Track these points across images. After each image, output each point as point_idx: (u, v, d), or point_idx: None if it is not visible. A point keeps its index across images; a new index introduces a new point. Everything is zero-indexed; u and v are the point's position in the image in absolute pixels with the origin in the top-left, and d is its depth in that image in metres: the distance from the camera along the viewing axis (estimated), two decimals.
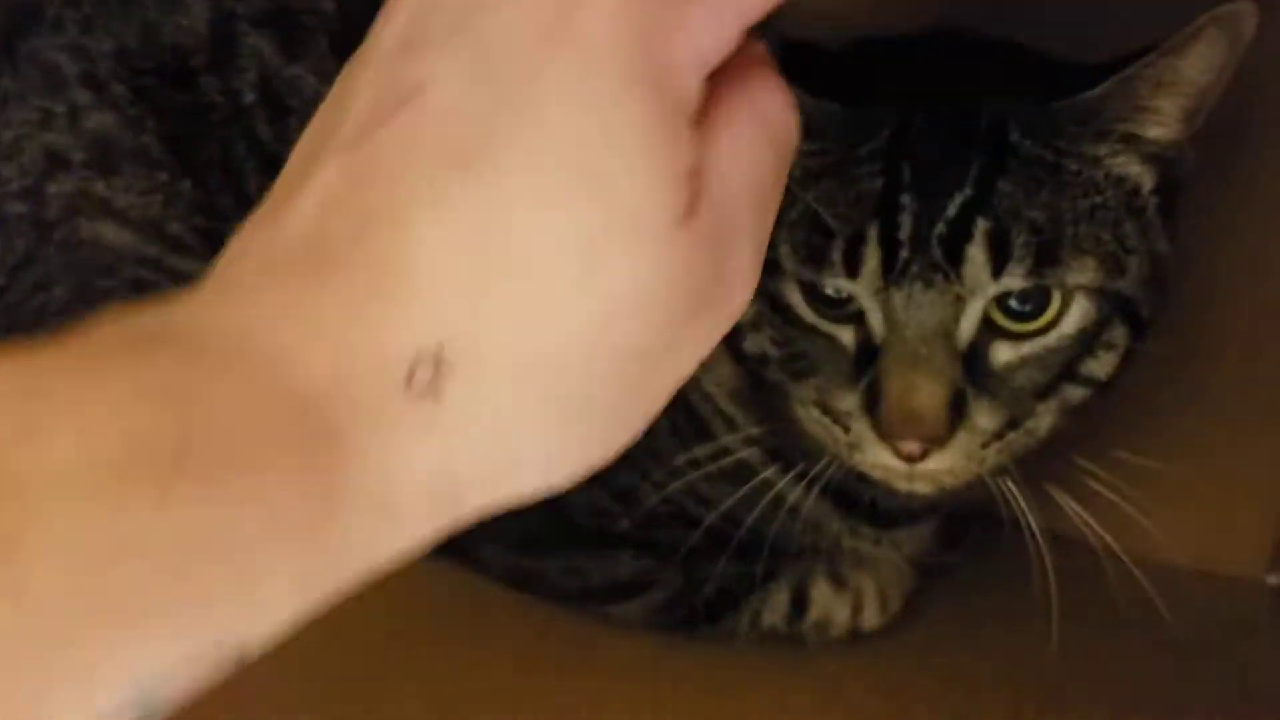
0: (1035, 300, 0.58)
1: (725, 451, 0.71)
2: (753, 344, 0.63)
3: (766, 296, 0.60)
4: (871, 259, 0.57)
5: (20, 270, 0.82)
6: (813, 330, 0.60)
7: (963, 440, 0.58)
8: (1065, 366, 0.60)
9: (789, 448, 0.68)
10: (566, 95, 0.28)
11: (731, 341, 0.64)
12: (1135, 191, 0.60)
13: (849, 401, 0.60)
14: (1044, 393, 0.60)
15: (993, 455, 0.60)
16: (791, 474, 0.68)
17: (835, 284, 0.58)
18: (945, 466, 0.59)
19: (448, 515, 0.31)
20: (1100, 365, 0.61)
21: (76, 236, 0.80)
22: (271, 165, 0.78)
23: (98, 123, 0.79)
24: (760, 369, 0.64)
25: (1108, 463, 0.68)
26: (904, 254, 0.56)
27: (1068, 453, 0.67)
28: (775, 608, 0.74)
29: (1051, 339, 0.59)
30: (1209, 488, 0.90)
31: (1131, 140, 0.59)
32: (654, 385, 0.33)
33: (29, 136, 0.80)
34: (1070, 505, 0.67)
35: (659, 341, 0.31)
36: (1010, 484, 0.64)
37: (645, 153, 0.28)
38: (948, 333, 0.57)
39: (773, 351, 0.62)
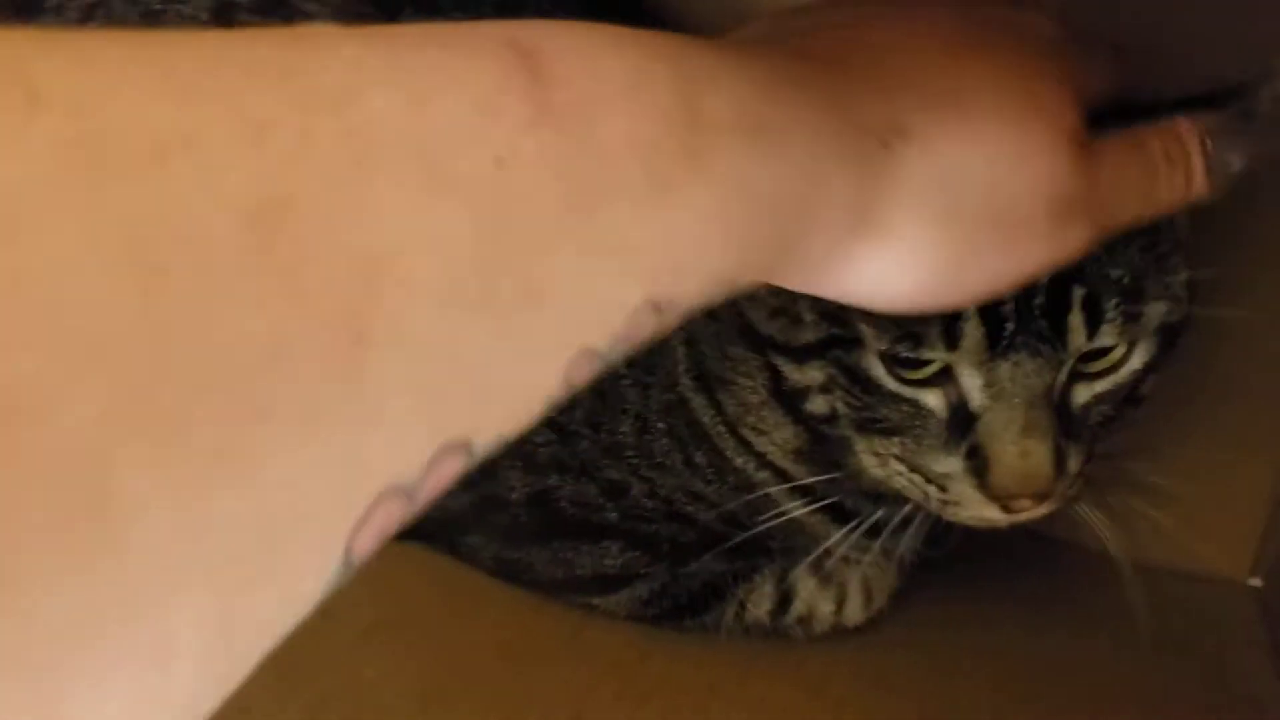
0: (1104, 346, 0.59)
1: (747, 482, 0.71)
2: (820, 405, 0.62)
3: (841, 366, 0.60)
4: (974, 332, 0.56)
5: None
6: (895, 396, 0.60)
7: (1060, 487, 0.59)
8: (1128, 396, 0.61)
9: (840, 494, 0.68)
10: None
11: (792, 404, 0.64)
12: (1177, 228, 0.61)
13: (947, 464, 0.60)
14: (1107, 422, 0.61)
15: (1076, 488, 0.61)
16: (801, 493, 0.69)
17: (930, 356, 0.57)
18: (1043, 512, 0.60)
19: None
20: (1148, 387, 0.62)
21: None
22: None
23: None
24: (825, 426, 0.63)
25: (1092, 466, 0.68)
26: (1010, 328, 0.56)
27: (1116, 487, 0.68)
28: (760, 601, 0.74)
29: (1123, 375, 0.60)
30: (1192, 490, 0.90)
31: None
32: (1012, 250, 0.41)
33: None
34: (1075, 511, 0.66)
35: (1032, 216, 0.41)
36: (1087, 508, 0.65)
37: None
38: (1048, 393, 0.57)
39: (844, 411, 0.62)
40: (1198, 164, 0.46)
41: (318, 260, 0.23)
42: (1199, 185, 0.47)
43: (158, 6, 0.79)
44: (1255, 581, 0.92)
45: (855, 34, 0.40)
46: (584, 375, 0.29)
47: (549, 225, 0.26)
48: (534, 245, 0.26)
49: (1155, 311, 0.58)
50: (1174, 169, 0.46)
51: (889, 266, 0.38)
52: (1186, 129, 0.46)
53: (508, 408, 0.27)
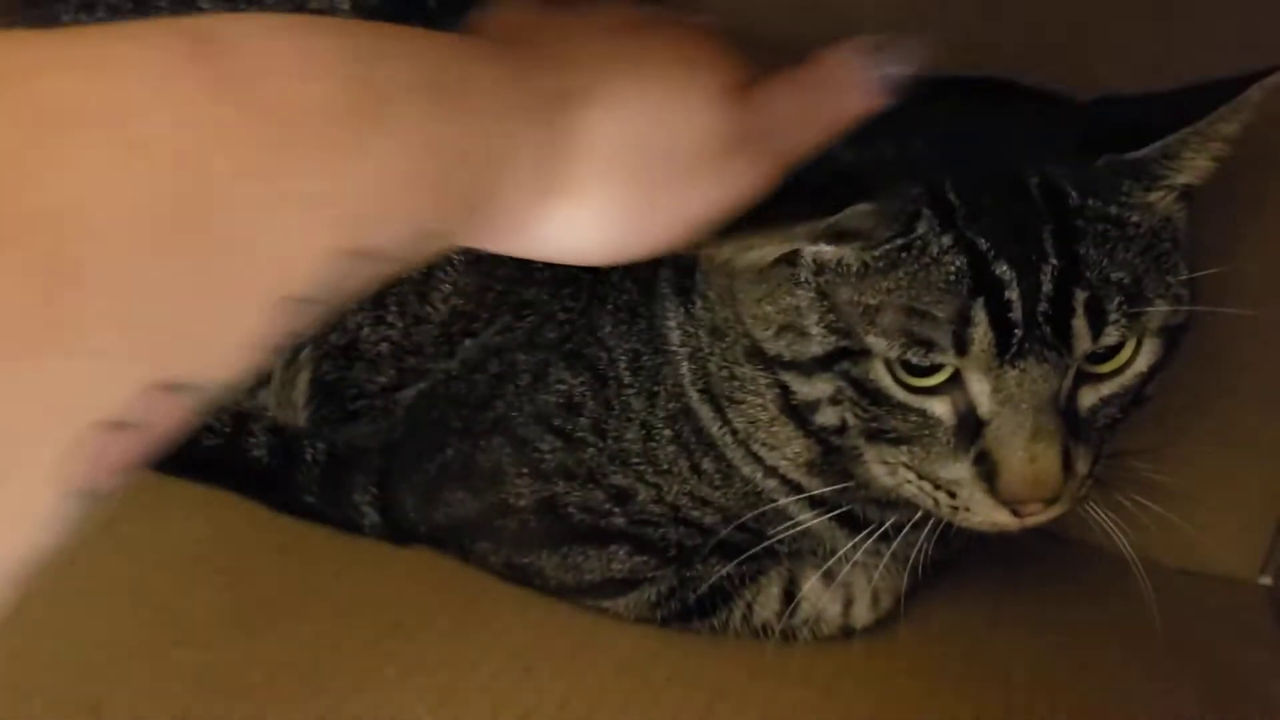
0: (1110, 348, 0.60)
1: (757, 493, 0.72)
2: (829, 417, 0.63)
3: (849, 378, 0.61)
4: (984, 338, 0.57)
5: None
6: (903, 406, 0.61)
7: (1070, 489, 0.60)
8: (1134, 398, 0.62)
9: (851, 502, 0.70)
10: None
11: (802, 419, 0.65)
12: (1176, 228, 0.61)
13: (956, 470, 0.61)
14: (1114, 425, 0.62)
15: (1085, 489, 0.62)
16: (810, 502, 0.70)
17: (941, 362, 0.58)
18: (1053, 515, 0.61)
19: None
20: (1152, 387, 0.63)
21: None
22: None
23: None
24: (834, 437, 0.64)
25: (1102, 466, 0.68)
26: (1018, 334, 0.57)
27: (1123, 487, 0.69)
28: (767, 603, 0.75)
29: (1128, 377, 0.61)
30: (1201, 490, 0.90)
31: (1176, 186, 0.61)
32: (687, 194, 0.46)
33: None
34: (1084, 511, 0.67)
35: (698, 159, 0.45)
36: (1094, 509, 0.66)
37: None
38: (1055, 398, 0.58)
39: (853, 422, 0.62)
40: (854, 81, 0.49)
41: (7, 212, 0.26)
42: (859, 99, 0.49)
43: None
44: (1266, 580, 0.92)
45: (543, 20, 0.46)
46: (298, 321, 0.32)
47: (232, 180, 0.30)
48: (220, 198, 0.29)
49: (1157, 312, 0.59)
50: (831, 91, 0.49)
51: (580, 219, 0.43)
52: (834, 55, 0.49)
53: (219, 351, 0.30)
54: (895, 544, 0.73)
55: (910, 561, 0.77)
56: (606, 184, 0.43)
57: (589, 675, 0.69)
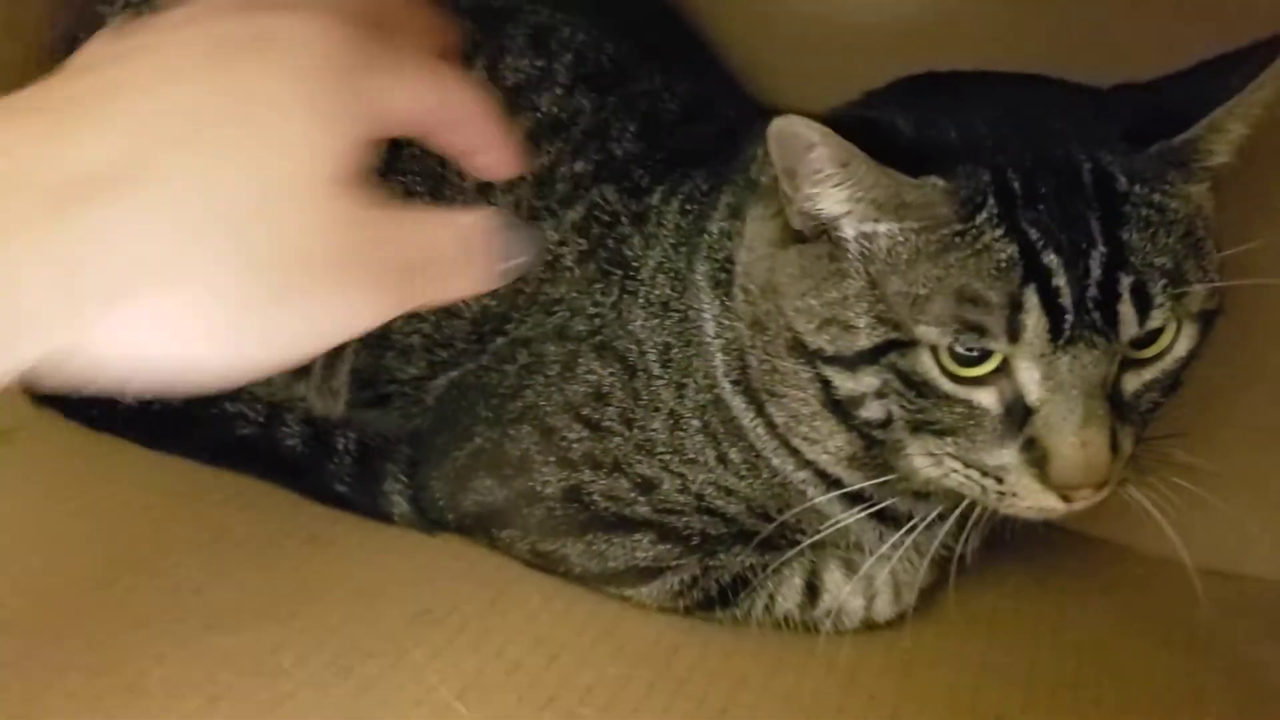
0: (1151, 333, 0.60)
1: (789, 487, 0.73)
2: (874, 411, 0.64)
3: (896, 371, 0.61)
4: (1036, 325, 0.58)
5: None
6: (949, 398, 0.61)
7: (1116, 472, 0.61)
8: (1173, 383, 0.63)
9: (891, 496, 0.70)
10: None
11: (845, 413, 0.65)
12: (1208, 215, 0.62)
13: (1003, 458, 0.61)
14: (1155, 409, 0.63)
15: (1128, 470, 0.63)
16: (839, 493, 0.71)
17: (993, 348, 0.59)
18: (1100, 498, 0.62)
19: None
20: (1189, 372, 0.64)
21: None
22: None
23: None
24: (878, 431, 0.65)
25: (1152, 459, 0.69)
26: (1069, 319, 0.58)
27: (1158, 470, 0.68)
28: (789, 594, 0.75)
29: (1169, 362, 0.62)
30: (1230, 489, 0.90)
31: (1207, 170, 0.62)
32: (286, 307, 0.38)
33: None
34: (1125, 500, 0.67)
35: (293, 271, 0.37)
36: (1132, 490, 0.66)
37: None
38: (1104, 383, 0.59)
39: (898, 415, 0.63)
40: (484, 258, 0.42)
41: None
42: (480, 279, 0.43)
43: None
44: None
45: (103, 73, 0.38)
46: None
47: None
48: None
49: (1197, 295, 0.60)
50: (463, 258, 0.42)
51: (172, 321, 0.36)
52: (478, 224, 0.42)
53: None
54: (917, 537, 0.74)
55: (934, 557, 0.79)
56: (193, 278, 0.36)
57: (613, 664, 0.70)
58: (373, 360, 0.85)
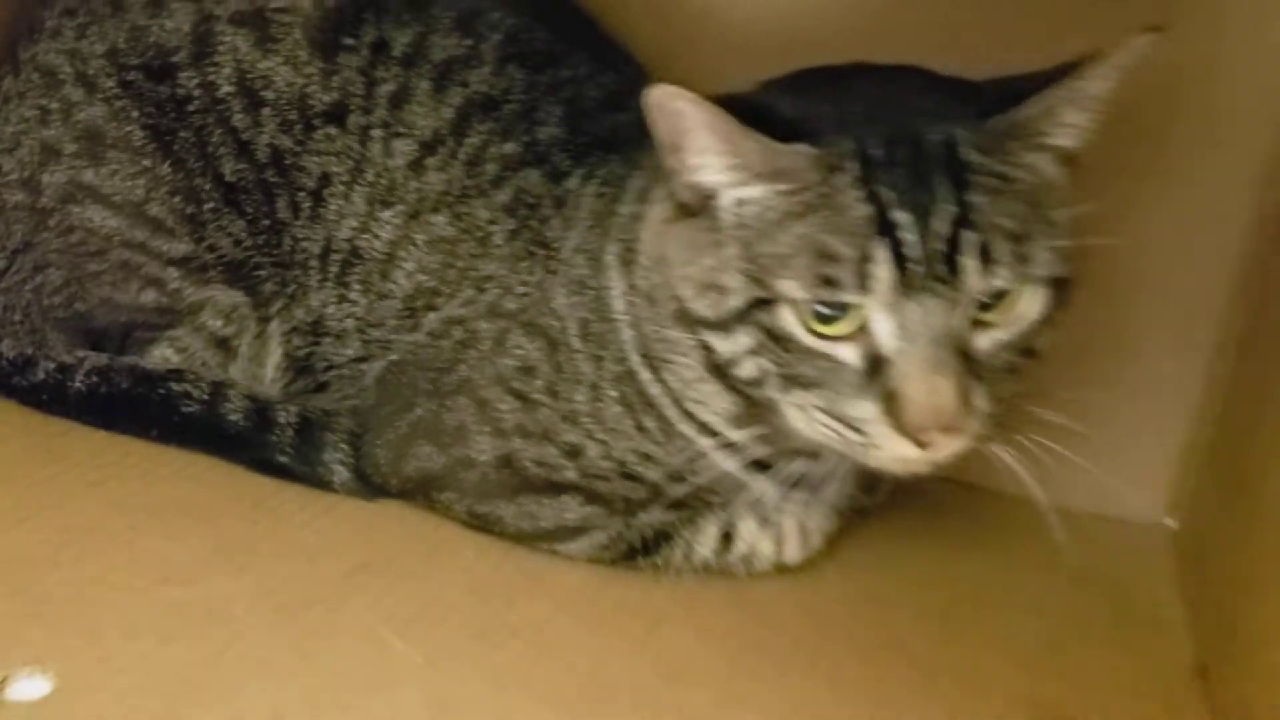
0: (1002, 294, 0.66)
1: (693, 450, 0.78)
2: (748, 369, 0.70)
3: (763, 328, 0.67)
4: (885, 275, 0.64)
5: (20, 254, 0.90)
6: (811, 353, 0.67)
7: (970, 424, 0.66)
8: (1028, 345, 0.69)
9: (771, 450, 0.76)
10: None
11: (723, 374, 0.71)
12: (1058, 189, 0.69)
13: (863, 409, 0.66)
14: (1012, 370, 0.69)
15: (986, 428, 0.68)
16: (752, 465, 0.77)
17: (846, 300, 0.65)
18: (956, 449, 0.67)
19: None
20: (1045, 340, 0.70)
21: (68, 222, 0.89)
22: (245, 151, 0.87)
23: (87, 115, 0.88)
24: (755, 389, 0.71)
25: (1010, 413, 0.75)
26: (915, 269, 0.64)
27: (1022, 428, 0.73)
28: (705, 542, 0.82)
29: (1019, 324, 0.68)
30: (1110, 438, 0.98)
31: (1054, 149, 0.69)
32: None
33: (26, 132, 0.89)
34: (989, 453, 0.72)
35: None
36: (995, 448, 0.71)
37: None
38: (951, 333, 0.65)
39: (771, 371, 0.69)
40: None
41: None
42: None
43: (142, 21, 0.88)
44: (1170, 522, 1.00)
45: None
46: None
47: None
48: None
49: (1043, 257, 0.66)
50: None
51: None
52: None
53: None
54: (820, 491, 0.81)
55: (837, 506, 0.86)
56: None
57: (540, 604, 0.76)
58: (309, 348, 0.90)
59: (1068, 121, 0.68)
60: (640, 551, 0.82)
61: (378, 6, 0.87)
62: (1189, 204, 0.94)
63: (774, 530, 0.83)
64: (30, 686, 0.61)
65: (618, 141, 0.84)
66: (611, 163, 0.83)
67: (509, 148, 0.86)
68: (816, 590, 0.83)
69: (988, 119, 0.66)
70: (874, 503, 0.94)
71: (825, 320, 0.66)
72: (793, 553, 0.84)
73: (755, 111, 0.65)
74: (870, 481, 0.92)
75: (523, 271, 0.83)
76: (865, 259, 0.64)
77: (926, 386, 0.64)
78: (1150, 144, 0.93)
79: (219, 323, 0.91)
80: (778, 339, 0.67)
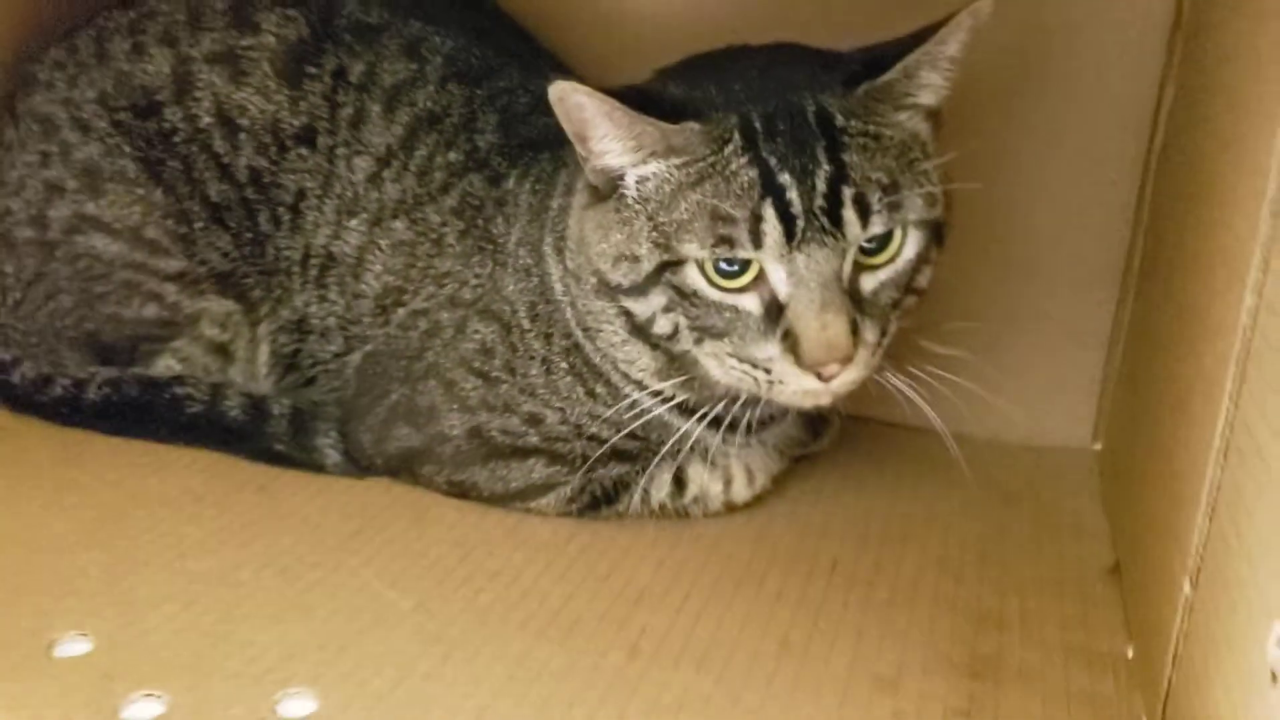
0: (881, 240, 0.76)
1: (635, 405, 0.88)
2: (663, 325, 0.79)
3: (673, 286, 0.77)
4: (774, 231, 0.73)
5: (33, 284, 1.00)
6: (717, 305, 0.77)
7: (861, 355, 0.76)
8: (908, 284, 0.79)
9: (696, 397, 0.85)
10: None
11: (643, 333, 0.81)
12: (924, 142, 0.79)
13: (767, 349, 0.76)
14: (896, 305, 0.79)
15: (877, 360, 0.78)
16: (680, 409, 0.86)
17: (742, 256, 0.74)
18: (853, 378, 0.76)
19: None
20: (925, 278, 0.80)
21: (74, 251, 0.99)
22: (227, 174, 0.97)
23: (85, 154, 0.98)
24: (671, 343, 0.80)
25: (945, 361, 0.83)
26: (800, 224, 0.73)
27: (919, 351, 0.83)
28: (660, 487, 0.92)
29: (900, 265, 0.77)
30: (1038, 374, 1.08)
31: (917, 107, 0.78)
32: None
33: (31, 175, 1.00)
34: (918, 397, 0.81)
35: None
36: (890, 377, 0.81)
37: None
38: (837, 276, 0.74)
39: (684, 324, 0.78)
40: None
41: None
42: None
43: (127, 67, 0.98)
44: (1097, 446, 1.09)
45: None
46: None
47: None
48: None
49: (914, 204, 0.76)
50: None
51: None
52: None
53: None
54: (761, 435, 0.91)
55: (779, 448, 0.95)
56: None
57: (516, 553, 0.86)
58: (296, 344, 1.00)
59: (927, 82, 0.77)
60: (603, 501, 0.91)
61: (335, 39, 0.97)
62: (1085, 151, 1.03)
63: (721, 473, 0.92)
64: (74, 646, 0.71)
65: (546, 142, 0.93)
66: (542, 161, 0.93)
67: (453, 156, 0.95)
68: (765, 525, 0.92)
69: (857, 85, 0.76)
70: (820, 447, 1.04)
71: (727, 275, 0.75)
72: (740, 492, 0.94)
73: (647, 98, 0.75)
74: (816, 426, 1.02)
75: (475, 265, 0.93)
76: (756, 218, 0.73)
77: (819, 324, 0.74)
78: (1047, 96, 1.02)
79: (215, 330, 1.01)
80: (686, 295, 0.77)
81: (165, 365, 1.01)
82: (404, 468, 0.94)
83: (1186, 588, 0.63)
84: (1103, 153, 1.03)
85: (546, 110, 0.94)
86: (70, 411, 0.99)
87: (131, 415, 0.98)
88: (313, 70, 0.97)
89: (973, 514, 0.97)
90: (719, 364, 0.79)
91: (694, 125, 0.75)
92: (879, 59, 0.76)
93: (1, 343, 1.03)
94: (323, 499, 0.92)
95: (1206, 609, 0.60)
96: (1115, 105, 1.02)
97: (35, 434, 0.99)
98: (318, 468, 0.96)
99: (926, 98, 0.78)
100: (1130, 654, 0.76)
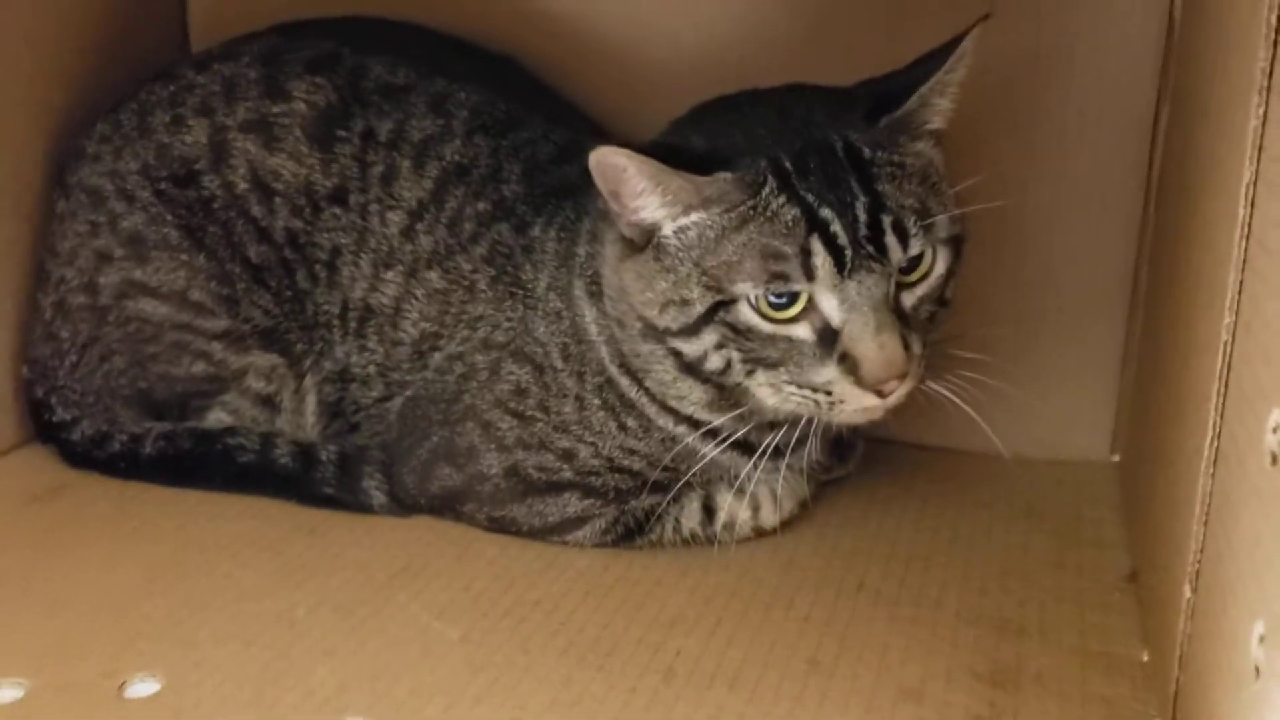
0: (915, 260, 0.81)
1: (667, 434, 0.92)
2: (715, 362, 0.84)
3: (726, 324, 0.81)
4: (825, 263, 0.78)
5: (88, 348, 1.06)
6: (770, 337, 0.81)
7: (913, 368, 0.81)
8: (939, 297, 0.84)
9: (753, 430, 0.88)
10: None
11: (694, 371, 0.85)
12: (939, 166, 0.84)
13: (826, 374, 0.81)
14: (932, 318, 0.84)
15: (922, 368, 0.83)
16: (713, 437, 0.90)
17: (795, 289, 0.79)
18: (906, 390, 0.81)
19: None
20: (952, 290, 0.86)
21: (125, 315, 1.04)
22: (265, 236, 1.02)
23: (130, 224, 1.04)
24: (724, 378, 0.85)
25: (968, 381, 0.88)
26: (849, 254, 0.78)
27: (950, 368, 0.88)
28: (690, 516, 0.95)
29: (933, 281, 0.83)
30: (1058, 391, 1.11)
31: (931, 133, 0.84)
32: None
33: (82, 245, 1.05)
34: (954, 396, 0.86)
35: None
36: (931, 384, 0.85)
37: None
38: (886, 299, 0.80)
39: (736, 359, 0.83)
40: None
41: None
42: None
43: (166, 139, 1.04)
44: (1115, 458, 1.12)
45: None
46: None
47: None
48: None
49: (942, 224, 0.81)
50: None
51: None
52: None
53: None
54: (787, 457, 0.94)
55: (807, 473, 0.99)
56: None
57: (555, 584, 0.90)
58: (339, 393, 1.05)
59: (939, 108, 0.83)
60: (636, 532, 0.95)
61: (362, 101, 1.02)
62: (1090, 173, 1.07)
63: (749, 499, 0.96)
64: (144, 687, 0.76)
65: (569, 189, 0.98)
66: (565, 209, 0.97)
67: (481, 206, 1.00)
68: (793, 549, 0.96)
69: (877, 119, 0.81)
70: (845, 471, 1.08)
71: (777, 308, 0.80)
72: (768, 518, 0.97)
73: (675, 152, 0.80)
74: (840, 451, 1.06)
75: (506, 310, 0.97)
76: (806, 253, 0.78)
77: (877, 345, 0.79)
78: (1051, 121, 1.07)
79: (261, 383, 1.06)
80: (740, 332, 0.81)
81: (216, 418, 1.06)
82: (446, 506, 0.99)
83: (1188, 591, 0.66)
84: (1107, 174, 1.07)
85: (568, 159, 1.01)
86: (128, 466, 1.05)
87: (186, 467, 1.04)
88: (342, 133, 1.02)
89: (996, 530, 1.00)
90: (775, 392, 0.84)
91: (726, 175, 0.80)
92: (891, 91, 0.82)
93: (60, 403, 1.08)
94: (370, 539, 0.96)
95: (1204, 611, 0.63)
96: (1116, 127, 1.06)
97: (96, 488, 1.04)
98: (365, 509, 1.00)
99: (937, 122, 0.84)
100: (1145, 658, 0.79)
